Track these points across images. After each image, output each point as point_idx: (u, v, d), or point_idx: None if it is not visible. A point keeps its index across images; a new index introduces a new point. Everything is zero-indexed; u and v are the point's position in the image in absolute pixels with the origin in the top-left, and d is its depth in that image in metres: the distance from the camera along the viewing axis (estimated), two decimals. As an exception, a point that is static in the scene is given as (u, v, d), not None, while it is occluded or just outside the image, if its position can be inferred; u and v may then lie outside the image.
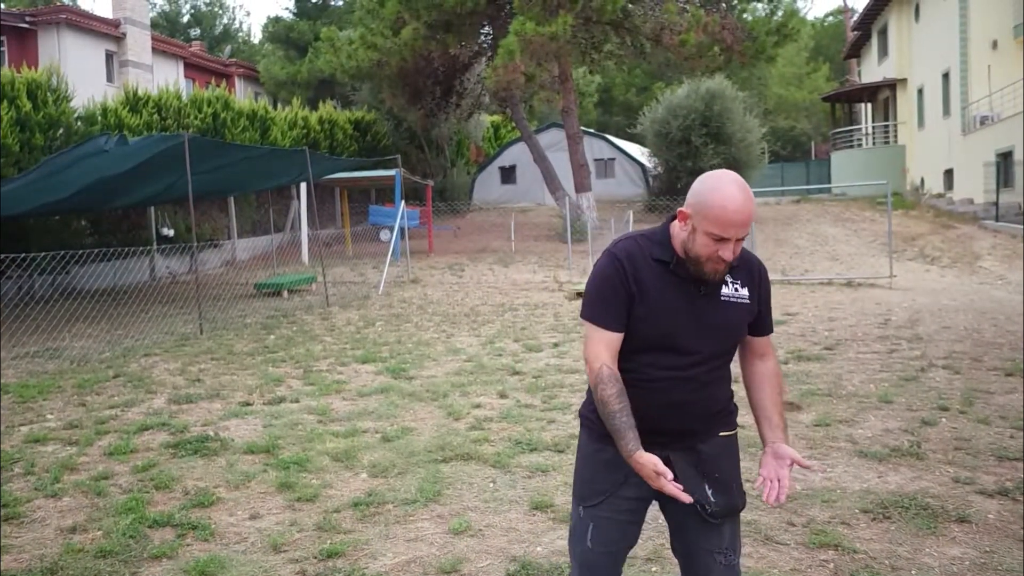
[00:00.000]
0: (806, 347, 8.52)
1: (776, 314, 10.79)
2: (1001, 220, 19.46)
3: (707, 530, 2.28)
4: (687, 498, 2.09)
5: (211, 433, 5.77)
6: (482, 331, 10.25)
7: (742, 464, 2.46)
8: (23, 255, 10.87)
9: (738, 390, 2.39)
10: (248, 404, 6.71)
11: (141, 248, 14.40)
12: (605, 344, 2.22)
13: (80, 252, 11.66)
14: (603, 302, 2.23)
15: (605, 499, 2.31)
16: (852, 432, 5.42)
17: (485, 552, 3.76)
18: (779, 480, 2.25)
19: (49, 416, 6.49)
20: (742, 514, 2.46)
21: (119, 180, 11.54)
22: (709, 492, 2.25)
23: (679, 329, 2.21)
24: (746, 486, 2.45)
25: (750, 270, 2.32)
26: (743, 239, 2.16)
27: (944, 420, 5.64)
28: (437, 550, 3.80)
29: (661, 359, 2.22)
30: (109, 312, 12.12)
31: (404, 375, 7.66)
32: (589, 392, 2.33)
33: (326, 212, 24.16)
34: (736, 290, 2.27)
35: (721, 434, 2.34)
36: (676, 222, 2.25)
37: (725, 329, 2.27)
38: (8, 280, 14.20)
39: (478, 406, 6.40)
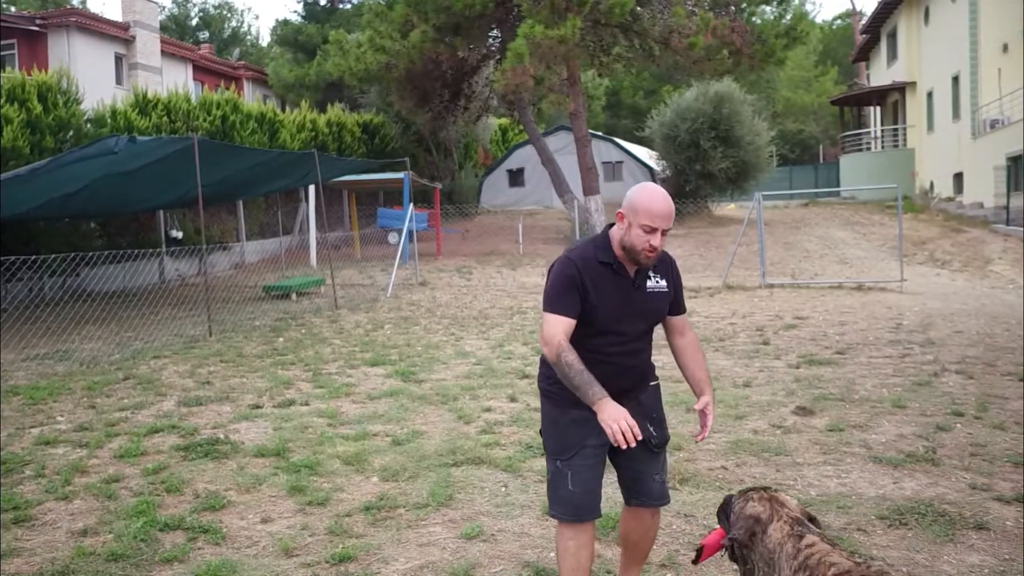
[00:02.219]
0: (817, 351, 8.47)
1: (787, 318, 10.81)
2: (1011, 224, 19.37)
3: (650, 458, 2.99)
4: (638, 435, 2.59)
5: (221, 436, 5.76)
6: (491, 334, 10.23)
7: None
8: (33, 257, 10.88)
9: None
10: (258, 407, 6.70)
11: (150, 250, 14.40)
12: (562, 327, 2.78)
13: (89, 254, 11.69)
14: (561, 296, 2.80)
15: (577, 452, 2.88)
16: (866, 437, 5.38)
17: (498, 557, 3.73)
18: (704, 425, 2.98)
19: (59, 418, 6.49)
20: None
21: (128, 182, 11.54)
22: (651, 429, 2.96)
23: (620, 315, 2.86)
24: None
25: (666, 265, 3.00)
26: (667, 232, 2.78)
27: (959, 425, 5.59)
28: (449, 555, 3.77)
29: (610, 339, 2.87)
30: (118, 314, 12.14)
31: (413, 378, 7.64)
32: (546, 367, 2.92)
33: (334, 215, 24.16)
34: (657, 282, 2.94)
35: (651, 384, 3.06)
36: (614, 228, 2.86)
37: (651, 312, 2.96)
38: (18, 282, 14.24)
39: (488, 410, 6.37)
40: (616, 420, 2.59)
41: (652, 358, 3.10)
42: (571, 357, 2.72)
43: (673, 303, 3.02)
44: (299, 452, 5.36)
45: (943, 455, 4.95)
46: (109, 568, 3.69)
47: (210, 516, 4.30)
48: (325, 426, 6.02)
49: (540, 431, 3.07)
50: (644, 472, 2.99)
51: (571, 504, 2.90)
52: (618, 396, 2.78)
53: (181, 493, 4.66)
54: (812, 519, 2.33)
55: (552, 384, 2.92)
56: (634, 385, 2.97)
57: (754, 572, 2.26)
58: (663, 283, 2.96)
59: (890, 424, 5.68)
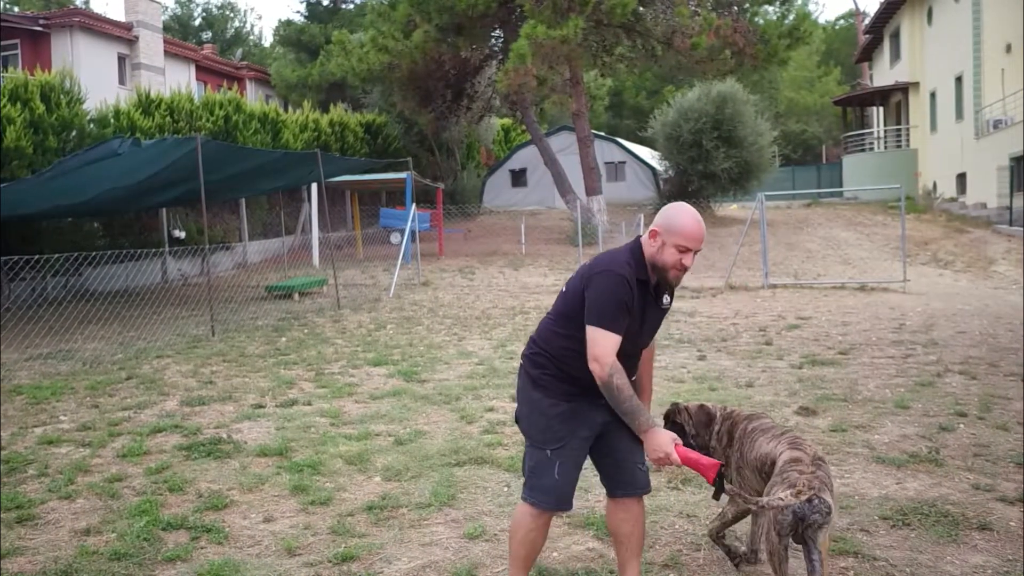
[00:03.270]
0: (820, 351, 8.46)
1: (789, 318, 10.80)
2: (1014, 224, 19.33)
3: (635, 448, 2.98)
4: (676, 463, 2.78)
5: (224, 435, 5.76)
6: (493, 334, 10.23)
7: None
8: (35, 257, 10.90)
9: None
10: (260, 406, 6.70)
11: (153, 250, 14.41)
12: (613, 346, 2.77)
13: (92, 254, 11.70)
14: (614, 312, 2.77)
15: (566, 442, 2.93)
16: (869, 438, 5.37)
17: (500, 557, 3.72)
18: None
19: (62, 418, 6.50)
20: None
21: (134, 188, 11.55)
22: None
23: (640, 332, 2.92)
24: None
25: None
26: (698, 253, 2.88)
27: (962, 426, 5.58)
28: (452, 555, 3.77)
29: (621, 357, 2.80)
30: (121, 314, 12.15)
31: (416, 378, 7.64)
32: (544, 358, 2.96)
33: (337, 215, 24.18)
34: (667, 299, 3.00)
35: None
36: (644, 243, 2.87)
37: (657, 327, 3.05)
38: (21, 282, 14.26)
39: (491, 409, 6.37)
40: (663, 450, 2.76)
41: (654, 350, 3.25)
42: (622, 381, 2.75)
43: None
44: (302, 452, 5.37)
45: (946, 456, 4.94)
46: (112, 567, 3.70)
47: (213, 515, 4.30)
48: (327, 426, 6.03)
49: (516, 417, 3.10)
50: (627, 459, 3.02)
51: (554, 494, 2.97)
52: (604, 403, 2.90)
53: (184, 492, 4.66)
54: None
55: (546, 374, 2.96)
56: None
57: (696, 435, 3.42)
58: (669, 300, 3.02)
59: (893, 424, 5.67)
